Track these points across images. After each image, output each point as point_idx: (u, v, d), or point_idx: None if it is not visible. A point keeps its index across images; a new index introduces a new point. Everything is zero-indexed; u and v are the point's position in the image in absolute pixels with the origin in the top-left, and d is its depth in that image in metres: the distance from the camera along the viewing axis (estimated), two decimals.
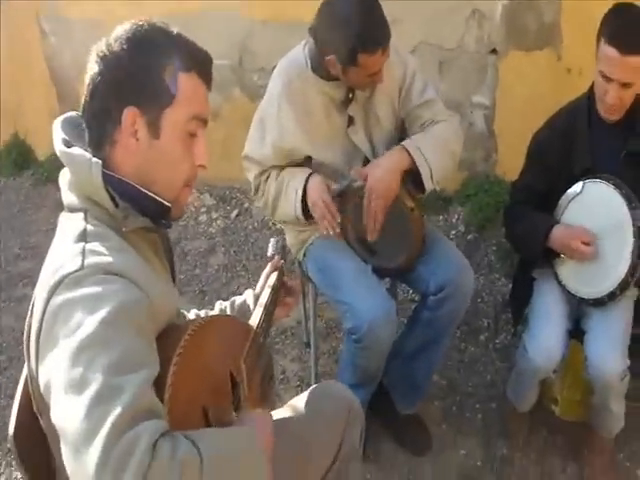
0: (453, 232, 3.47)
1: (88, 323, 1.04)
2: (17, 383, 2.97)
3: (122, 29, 1.25)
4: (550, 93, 2.91)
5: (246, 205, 4.10)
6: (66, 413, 1.01)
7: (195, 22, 3.73)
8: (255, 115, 2.30)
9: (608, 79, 1.99)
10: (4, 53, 4.94)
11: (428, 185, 2.17)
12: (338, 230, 2.19)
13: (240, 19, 3.78)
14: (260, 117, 2.27)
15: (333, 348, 3.01)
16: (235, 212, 4.08)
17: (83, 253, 1.13)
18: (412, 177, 2.17)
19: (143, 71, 1.23)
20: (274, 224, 3.78)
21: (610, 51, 1.94)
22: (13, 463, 2.68)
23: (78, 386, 1.00)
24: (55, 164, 4.72)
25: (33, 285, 3.74)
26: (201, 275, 3.64)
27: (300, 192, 2.19)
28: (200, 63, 1.28)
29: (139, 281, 1.14)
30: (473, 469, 2.45)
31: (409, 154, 2.13)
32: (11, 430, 1.32)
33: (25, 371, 1.37)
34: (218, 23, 3.78)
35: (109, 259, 1.13)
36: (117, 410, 0.97)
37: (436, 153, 2.16)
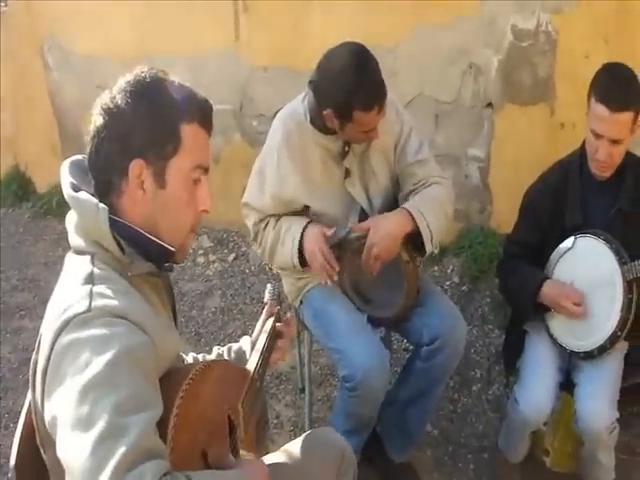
0: (447, 283, 3.50)
1: (95, 363, 1.07)
2: (12, 413, 2.98)
3: (124, 81, 1.29)
4: (544, 147, 2.99)
5: (243, 249, 4.15)
6: (72, 450, 1.04)
7: (196, 65, 3.86)
8: (255, 164, 2.36)
9: (598, 136, 2.06)
10: (7, 84, 5.03)
11: (429, 248, 2.22)
12: (336, 279, 2.24)
13: (241, 64, 3.88)
14: (260, 166, 2.32)
15: (327, 395, 3.02)
16: (232, 255, 4.13)
17: (91, 295, 1.17)
18: (412, 239, 2.22)
19: (147, 124, 1.27)
20: (271, 269, 3.81)
21: (600, 109, 2.02)
22: None
23: (84, 424, 1.03)
24: (54, 197, 4.81)
25: (30, 317, 3.75)
26: (197, 317, 3.67)
27: (297, 241, 2.23)
28: (201, 112, 1.33)
29: (144, 325, 1.18)
30: None
31: (412, 217, 2.18)
32: (12, 461, 1.35)
33: (27, 403, 1.39)
34: (218, 66, 3.87)
35: (115, 302, 1.17)
36: (122, 449, 1.00)
37: (435, 217, 2.21)
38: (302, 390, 2.89)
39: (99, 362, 1.08)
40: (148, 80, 1.29)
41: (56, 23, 4.63)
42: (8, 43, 4.91)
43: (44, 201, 4.98)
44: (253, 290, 3.82)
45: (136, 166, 1.27)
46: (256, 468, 1.32)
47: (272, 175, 2.26)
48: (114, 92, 1.29)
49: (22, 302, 3.99)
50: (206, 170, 1.35)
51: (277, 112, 2.35)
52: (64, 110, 4.90)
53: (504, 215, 3.11)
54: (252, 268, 4.00)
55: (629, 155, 2.17)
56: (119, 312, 1.16)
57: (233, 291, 3.85)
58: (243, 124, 4.04)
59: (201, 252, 4.19)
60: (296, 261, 2.25)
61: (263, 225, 2.34)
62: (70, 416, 1.05)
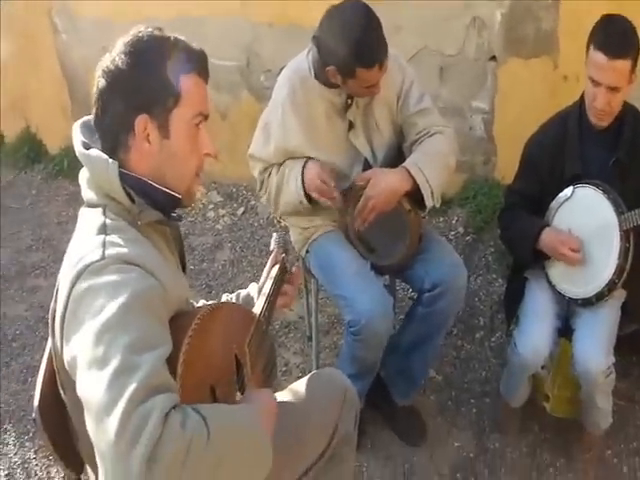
0: (452, 233, 3.56)
1: (110, 307, 1.16)
2: (30, 368, 3.10)
3: (122, 43, 1.35)
4: (547, 100, 3.00)
5: (252, 203, 4.21)
6: (90, 387, 1.13)
7: (202, 25, 3.86)
8: (260, 119, 2.42)
9: (597, 84, 2.09)
10: (15, 48, 5.03)
11: (429, 203, 2.27)
12: (340, 204, 2.31)
13: (245, 22, 3.88)
14: (265, 121, 2.39)
15: (334, 343, 3.11)
16: (241, 209, 4.20)
17: (104, 244, 1.25)
18: (413, 193, 2.27)
19: (148, 81, 1.33)
20: (279, 222, 3.89)
21: (598, 56, 2.05)
22: (27, 444, 2.81)
23: (100, 363, 1.12)
24: (66, 158, 4.86)
25: (45, 275, 3.85)
26: (208, 270, 3.76)
27: (300, 175, 2.30)
28: (198, 63, 1.39)
29: (154, 270, 1.26)
30: (466, 461, 2.55)
31: (410, 175, 2.23)
32: (36, 402, 1.45)
33: (47, 351, 1.49)
34: (224, 26, 3.87)
35: (127, 250, 1.25)
36: (134, 384, 1.09)
37: (435, 170, 2.26)
38: (309, 338, 2.98)
39: (113, 306, 1.16)
40: (145, 39, 1.35)
41: None
42: (15, 7, 4.91)
43: (55, 162, 5.02)
44: (262, 242, 3.90)
45: (141, 121, 1.33)
46: (264, 397, 1.41)
47: (277, 129, 2.32)
48: (113, 54, 1.35)
49: (37, 261, 4.09)
50: (206, 117, 1.42)
51: (282, 67, 2.40)
52: (73, 72, 4.91)
53: (508, 166, 3.09)
54: (261, 221, 4.08)
55: (627, 106, 2.20)
56: (130, 259, 1.24)
57: (242, 244, 3.93)
58: (250, 80, 4.06)
59: (211, 207, 4.26)
60: (302, 195, 2.31)
61: (267, 174, 2.41)
62: (87, 356, 1.14)
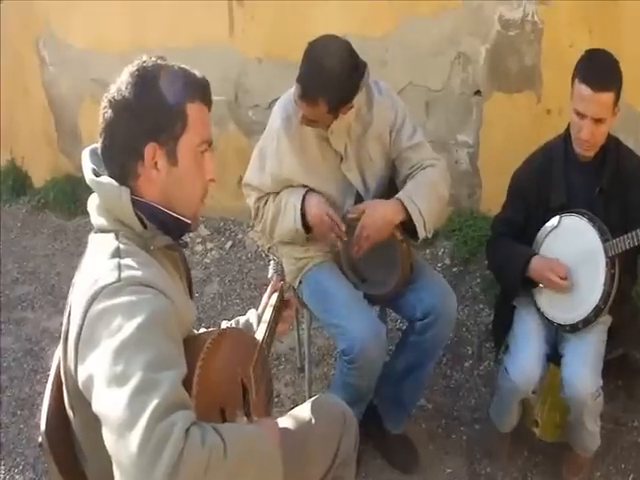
0: (439, 265, 3.62)
1: (127, 327, 1.19)
2: (19, 401, 3.06)
3: (127, 73, 1.38)
4: (530, 133, 3.09)
5: (240, 236, 4.24)
6: (109, 403, 1.15)
7: (190, 56, 3.90)
8: (255, 148, 2.49)
9: (582, 116, 2.17)
10: (2, 78, 5.05)
11: (421, 234, 2.33)
12: (345, 238, 2.35)
13: (235, 56, 3.96)
14: (260, 149, 2.45)
15: (325, 373, 3.14)
16: (229, 243, 4.23)
17: (119, 267, 1.28)
18: (407, 225, 2.33)
19: (155, 109, 1.37)
20: (267, 255, 3.91)
21: (583, 89, 2.14)
22: (17, 477, 2.77)
23: (120, 380, 1.14)
24: (52, 190, 4.86)
25: (32, 308, 3.82)
26: (197, 303, 3.75)
27: (299, 205, 2.34)
28: (202, 90, 1.43)
29: (166, 292, 1.30)
30: None
31: (404, 207, 2.29)
32: (42, 426, 1.46)
33: (52, 376, 1.51)
34: (213, 58, 3.92)
35: (141, 272, 1.29)
36: (155, 401, 1.12)
37: (428, 201, 2.33)
38: (301, 369, 3.01)
39: (130, 325, 1.19)
40: (149, 69, 1.39)
41: (52, 16, 4.68)
42: (3, 36, 4.95)
43: (41, 195, 5.00)
44: (250, 276, 3.93)
45: (150, 149, 1.37)
46: (269, 424, 1.45)
47: (272, 157, 2.38)
48: (119, 84, 1.39)
49: (23, 294, 4.07)
50: (210, 144, 1.46)
51: (272, 102, 2.47)
52: (59, 104, 4.95)
53: (493, 198, 3.18)
54: (249, 255, 4.10)
55: (610, 137, 2.28)
56: (145, 281, 1.27)
57: (231, 277, 3.95)
58: (238, 114, 4.12)
59: (199, 240, 4.28)
60: (299, 225, 2.35)
61: (263, 202, 2.46)
62: (106, 374, 1.16)
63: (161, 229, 1.41)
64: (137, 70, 1.39)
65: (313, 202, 2.34)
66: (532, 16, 3.04)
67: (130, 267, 1.29)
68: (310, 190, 2.38)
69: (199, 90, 1.43)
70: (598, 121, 2.16)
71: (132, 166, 1.39)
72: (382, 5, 3.38)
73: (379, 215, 2.30)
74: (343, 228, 2.32)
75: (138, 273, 1.28)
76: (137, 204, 1.38)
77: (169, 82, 1.39)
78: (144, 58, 1.41)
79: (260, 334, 1.67)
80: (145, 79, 1.38)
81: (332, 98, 2.15)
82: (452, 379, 3.06)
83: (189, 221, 1.45)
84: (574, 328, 2.31)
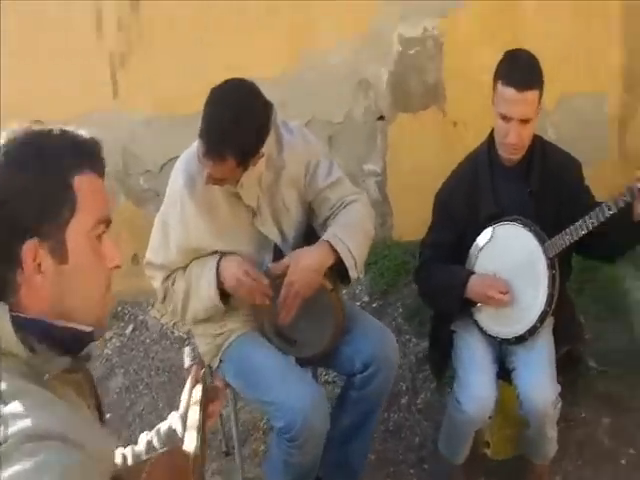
0: (358, 303, 3.45)
1: None
2: None
3: None
4: (439, 147, 3.07)
5: (141, 318, 3.79)
6: None
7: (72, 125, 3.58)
8: (156, 220, 2.20)
9: (508, 119, 2.11)
10: None
11: (354, 275, 2.14)
12: (271, 294, 2.10)
13: (121, 120, 3.59)
14: (162, 220, 2.17)
15: (254, 451, 2.83)
16: (130, 327, 3.78)
17: (2, 421, 0.94)
18: (336, 267, 2.12)
19: (34, 194, 1.04)
20: (173, 333, 3.57)
21: (507, 91, 2.08)
22: None
23: None
24: None
25: None
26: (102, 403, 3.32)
27: (214, 275, 2.08)
28: (90, 156, 1.12)
29: (74, 437, 0.97)
30: None
31: (332, 248, 2.09)
32: None
33: None
34: (99, 128, 3.58)
35: (34, 421, 0.95)
36: None
37: (356, 240, 2.13)
38: (227, 453, 2.72)
39: None
40: (20, 140, 1.06)
41: None
42: None
43: None
44: (157, 359, 3.53)
45: (29, 249, 1.04)
46: None
47: (176, 225, 2.12)
48: None
49: None
50: (108, 223, 1.14)
51: (164, 165, 2.21)
52: None
53: (405, 224, 3.13)
54: (153, 336, 3.67)
55: (534, 137, 2.23)
56: (41, 432, 0.95)
57: (136, 365, 3.51)
58: (127, 184, 3.73)
59: None
60: (216, 299, 2.10)
61: (171, 281, 2.17)
62: None
63: (55, 349, 1.06)
64: (5, 148, 1.05)
65: (228, 264, 2.09)
66: (432, 30, 3.03)
67: (17, 416, 0.95)
68: (224, 255, 2.12)
69: (87, 155, 1.11)
70: (524, 122, 2.11)
71: (9, 277, 1.05)
72: (274, 44, 3.25)
73: (305, 265, 2.05)
74: (266, 282, 2.07)
75: (29, 423, 0.94)
76: (20, 323, 1.03)
77: (46, 153, 1.07)
78: (14, 127, 1.08)
79: (191, 445, 1.34)
80: (16, 157, 1.05)
81: (241, 151, 1.91)
82: (390, 421, 2.86)
83: (91, 329, 1.11)
84: (520, 339, 2.22)
